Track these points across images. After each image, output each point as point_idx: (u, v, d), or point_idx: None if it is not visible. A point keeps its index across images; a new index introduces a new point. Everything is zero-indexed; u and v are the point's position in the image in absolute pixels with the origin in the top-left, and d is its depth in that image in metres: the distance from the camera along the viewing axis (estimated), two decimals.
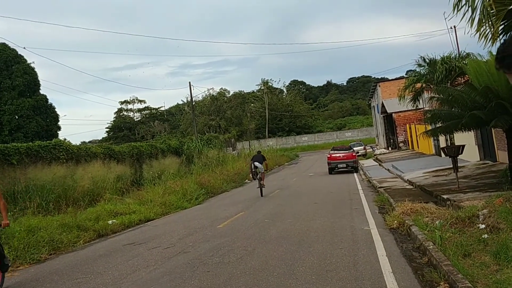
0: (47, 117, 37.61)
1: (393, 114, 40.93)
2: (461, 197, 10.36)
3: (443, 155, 17.34)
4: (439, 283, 5.15)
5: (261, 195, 17.39)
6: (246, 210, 13.87)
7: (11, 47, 36.59)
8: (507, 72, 1.75)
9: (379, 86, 46.55)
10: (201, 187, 20.21)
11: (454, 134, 18.14)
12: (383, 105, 42.70)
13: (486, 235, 6.45)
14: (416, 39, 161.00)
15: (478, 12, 8.36)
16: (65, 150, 18.77)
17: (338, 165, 26.26)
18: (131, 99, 78.88)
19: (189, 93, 41.39)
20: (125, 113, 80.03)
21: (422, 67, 23.19)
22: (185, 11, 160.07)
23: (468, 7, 8.47)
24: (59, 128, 39.52)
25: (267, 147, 54.59)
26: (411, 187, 15.34)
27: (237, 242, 8.84)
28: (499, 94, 10.21)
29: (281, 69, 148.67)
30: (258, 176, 17.80)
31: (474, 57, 15.02)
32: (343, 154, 26.82)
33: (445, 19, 30.42)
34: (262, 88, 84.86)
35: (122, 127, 76.99)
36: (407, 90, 24.66)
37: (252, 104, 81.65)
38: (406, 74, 43.77)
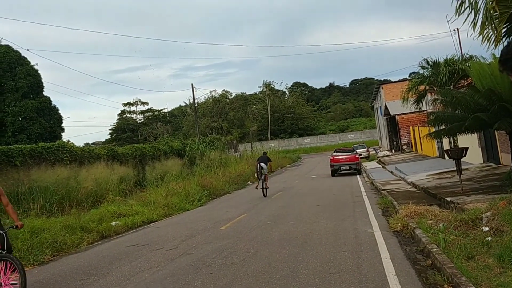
0: (51, 119, 37.69)
1: (396, 116, 40.86)
2: (465, 199, 10.33)
3: (446, 157, 17.32)
4: (443, 286, 5.14)
5: (264, 196, 17.83)
6: (248, 212, 13.87)
7: (15, 49, 36.79)
8: (510, 74, 1.75)
9: (382, 88, 46.47)
10: (204, 189, 20.22)
11: (458, 137, 18.08)
12: (386, 107, 42.63)
13: (489, 238, 6.43)
14: (419, 41, 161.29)
15: (481, 14, 8.35)
16: (69, 151, 18.83)
17: (341, 167, 26.21)
18: (134, 101, 79.10)
19: (192, 95, 41.60)
20: (128, 115, 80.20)
21: (426, 69, 23.14)
22: (188, 14, 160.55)
23: (471, 9, 8.47)
24: (62, 129, 39.60)
25: (269, 149, 54.53)
26: (415, 189, 15.31)
27: (240, 244, 8.84)
28: (502, 97, 10.20)
29: (284, 71, 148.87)
30: (262, 176, 18.22)
31: (477, 60, 15.03)
32: (346, 156, 26.76)
33: (448, 21, 30.29)
34: (264, 90, 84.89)
35: (125, 129, 77.12)
36: (410, 92, 24.60)
37: (254, 106, 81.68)
38: (409, 76, 43.89)
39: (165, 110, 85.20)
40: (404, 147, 40.83)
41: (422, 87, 23.78)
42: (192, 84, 40.47)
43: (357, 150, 32.23)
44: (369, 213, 11.41)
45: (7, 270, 5.98)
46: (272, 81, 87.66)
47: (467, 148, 12.47)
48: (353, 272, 6.11)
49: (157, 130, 72.93)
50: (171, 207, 16.22)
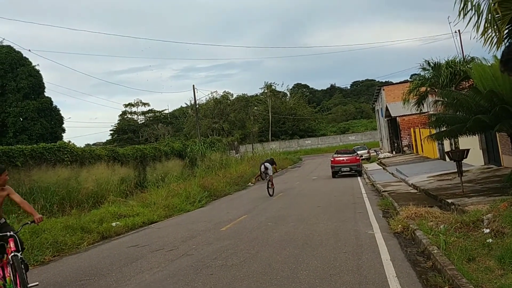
0: (52, 120, 37.73)
1: (397, 118, 40.85)
2: (466, 201, 10.31)
3: (447, 159, 17.31)
4: None
5: (270, 195, 18.34)
6: (249, 213, 13.86)
7: (17, 49, 36.85)
8: (511, 75, 1.75)
9: (383, 89, 46.47)
10: (204, 190, 20.22)
11: (459, 138, 18.08)
12: (387, 109, 42.63)
13: (490, 240, 6.42)
14: (420, 43, 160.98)
15: (484, 16, 8.35)
16: (70, 152, 18.85)
17: (342, 168, 26.19)
18: (135, 102, 79.32)
19: (193, 96, 41.65)
20: (129, 116, 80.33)
21: (427, 71, 23.14)
22: (189, 15, 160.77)
23: (474, 11, 8.46)
24: (63, 130, 39.64)
25: (270, 150, 54.62)
26: (416, 191, 15.29)
27: (240, 245, 8.83)
28: (503, 98, 10.19)
29: (285, 73, 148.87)
30: (267, 177, 18.71)
31: (479, 61, 14.97)
32: (346, 158, 26.74)
33: (450, 23, 30.33)
34: (266, 91, 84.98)
35: (126, 130, 77.21)
36: (411, 94, 24.59)
37: (256, 107, 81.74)
38: (410, 77, 43.81)
39: (166, 111, 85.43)
40: (405, 148, 40.80)
41: (423, 89, 23.77)
42: (193, 85, 40.61)
43: (358, 152, 32.19)
44: (369, 215, 11.40)
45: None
46: (273, 83, 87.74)
47: (468, 150, 12.46)
48: (354, 274, 6.10)
49: (158, 131, 73.01)
50: (171, 208, 16.22)
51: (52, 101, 38.33)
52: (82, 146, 29.20)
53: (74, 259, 9.49)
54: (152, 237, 11.30)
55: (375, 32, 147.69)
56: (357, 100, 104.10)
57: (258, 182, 28.02)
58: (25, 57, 37.02)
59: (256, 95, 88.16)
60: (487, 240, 6.43)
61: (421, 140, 30.27)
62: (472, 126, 11.19)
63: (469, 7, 8.53)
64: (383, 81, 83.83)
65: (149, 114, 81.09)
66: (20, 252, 5.84)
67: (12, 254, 5.72)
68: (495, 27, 8.23)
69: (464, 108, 11.92)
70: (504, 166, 16.12)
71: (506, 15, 8.00)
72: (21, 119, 35.49)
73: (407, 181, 18.21)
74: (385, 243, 7.81)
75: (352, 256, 7.13)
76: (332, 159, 27.06)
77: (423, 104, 24.61)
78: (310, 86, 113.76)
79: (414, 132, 36.88)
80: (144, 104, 79.64)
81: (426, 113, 23.71)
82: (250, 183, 26.96)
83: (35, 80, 36.81)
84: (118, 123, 78.85)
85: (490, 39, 8.60)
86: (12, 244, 5.79)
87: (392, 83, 51.76)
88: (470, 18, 8.69)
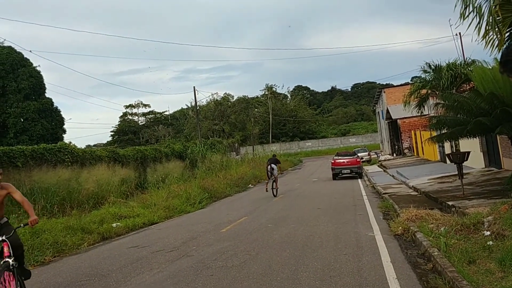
0: (52, 120, 37.74)
1: (398, 120, 40.85)
2: (466, 203, 10.31)
3: (448, 161, 17.30)
4: None
5: (274, 196, 18.69)
6: (249, 215, 13.86)
7: (18, 50, 36.89)
8: (510, 76, 1.75)
9: (384, 92, 46.47)
10: (205, 191, 20.22)
11: (459, 141, 18.08)
12: (388, 111, 42.63)
13: (491, 242, 6.42)
14: (421, 45, 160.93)
15: (485, 18, 8.37)
16: (70, 153, 18.86)
17: (342, 170, 26.19)
18: (136, 103, 79.32)
19: (194, 98, 41.56)
20: (130, 117, 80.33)
21: (428, 73, 23.13)
22: (190, 16, 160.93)
23: (475, 14, 8.48)
24: (64, 131, 39.64)
25: (270, 152, 54.50)
26: (416, 193, 15.28)
27: (241, 247, 8.83)
28: (504, 101, 10.19)
29: (285, 75, 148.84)
30: (272, 177, 19.15)
31: (480, 64, 15.00)
32: (347, 160, 26.74)
33: (451, 26, 30.38)
34: (266, 93, 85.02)
35: (127, 131, 77.22)
36: (412, 96, 24.60)
37: (256, 109, 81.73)
38: (411, 80, 43.72)
39: (167, 113, 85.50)
40: (406, 151, 40.80)
41: (424, 91, 23.78)
42: (194, 87, 40.69)
43: (359, 154, 32.19)
44: (370, 217, 11.40)
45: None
46: (274, 85, 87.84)
47: (468, 152, 12.46)
48: (354, 275, 6.10)
49: (159, 132, 73.03)
50: (172, 209, 16.22)
51: (53, 102, 38.36)
52: (82, 147, 29.16)
53: (75, 259, 9.49)
54: (152, 238, 11.30)
55: (376, 34, 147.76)
56: (358, 102, 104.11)
57: (259, 184, 28.07)
58: (26, 58, 37.07)
59: (257, 97, 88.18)
60: (488, 243, 6.43)
61: (421, 142, 30.28)
62: (472, 129, 11.19)
63: (470, 9, 8.55)
64: (384, 83, 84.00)
65: (150, 115, 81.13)
66: (12, 259, 5.50)
67: (4, 260, 5.44)
68: (496, 29, 8.25)
69: (465, 111, 11.93)
70: (504, 168, 16.11)
71: (507, 18, 8.02)
72: (22, 120, 35.51)
73: (407, 183, 18.20)
74: (386, 245, 7.80)
75: (353, 258, 7.12)
76: (333, 161, 27.06)
77: (423, 107, 24.61)
78: (311, 88, 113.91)
79: (415, 134, 36.88)
80: (145, 105, 79.73)
81: (427, 116, 23.67)
82: (250, 185, 26.96)
83: (36, 81, 36.84)
84: (118, 124, 78.88)
85: (491, 41, 8.63)
86: (5, 249, 5.51)
87: (393, 86, 51.76)
88: (471, 21, 8.72)
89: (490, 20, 8.29)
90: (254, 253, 8.10)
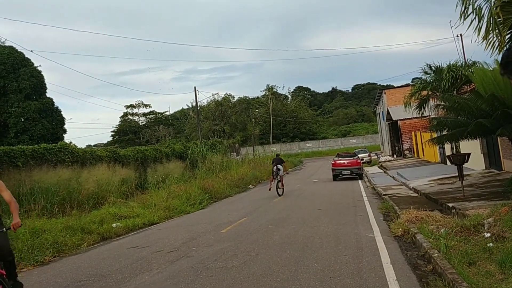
0: (53, 120, 37.72)
1: (398, 122, 40.84)
2: (467, 205, 10.30)
3: (448, 163, 17.26)
4: None
5: (280, 195, 19.03)
6: (249, 216, 13.86)
7: (19, 50, 36.89)
8: (511, 78, 1.75)
9: (385, 93, 46.46)
10: (205, 192, 20.22)
11: (460, 142, 18.05)
12: (388, 112, 42.61)
13: (491, 244, 6.41)
14: (422, 46, 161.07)
15: (485, 20, 8.36)
16: (71, 153, 18.86)
17: (343, 171, 26.19)
18: (137, 103, 79.36)
19: (194, 98, 41.54)
20: (131, 117, 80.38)
21: (428, 75, 23.11)
22: (191, 17, 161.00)
23: (475, 15, 8.48)
24: (64, 131, 39.61)
25: (271, 153, 54.51)
26: (416, 194, 15.27)
27: (241, 247, 8.83)
28: (505, 103, 10.18)
29: (286, 75, 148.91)
30: (278, 177, 19.51)
31: (480, 65, 14.99)
32: (347, 161, 26.76)
33: (451, 27, 30.41)
34: (267, 93, 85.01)
35: (127, 131, 77.26)
36: (412, 98, 24.58)
37: (257, 110, 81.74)
38: (412, 81, 43.69)
39: (168, 113, 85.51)
40: (406, 152, 40.78)
41: (424, 93, 23.76)
42: (195, 87, 40.61)
43: (359, 155, 32.24)
44: (370, 218, 11.39)
45: None
46: (275, 85, 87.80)
47: (469, 154, 12.45)
48: (354, 277, 6.09)
49: (159, 132, 73.05)
50: (172, 209, 16.22)
51: (53, 102, 38.34)
52: (83, 147, 29.14)
53: (74, 259, 9.48)
54: (152, 238, 11.30)
55: (376, 35, 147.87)
56: (359, 103, 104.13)
57: (259, 185, 28.07)
58: (27, 57, 37.05)
59: (258, 97, 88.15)
60: (488, 244, 6.42)
61: (422, 143, 30.28)
62: (473, 130, 11.18)
63: (471, 10, 8.55)
64: (385, 84, 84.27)
65: (150, 115, 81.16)
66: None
67: None
68: (496, 31, 8.25)
69: (466, 112, 11.92)
70: (505, 170, 16.10)
71: (508, 19, 8.02)
72: (23, 120, 35.50)
73: (408, 184, 18.19)
74: (386, 246, 7.80)
75: (353, 259, 7.12)
76: (333, 162, 27.08)
77: (424, 108, 24.59)
78: (312, 89, 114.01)
79: (415, 135, 36.87)
80: (146, 105, 79.75)
81: (427, 117, 23.65)
82: (250, 185, 26.95)
83: (37, 81, 36.83)
84: (119, 125, 78.94)
85: (491, 43, 8.62)
86: None
87: (393, 87, 51.74)
88: (471, 21, 8.72)
89: (491, 22, 8.28)
90: (254, 254, 8.10)
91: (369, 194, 17.82)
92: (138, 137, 74.75)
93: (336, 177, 26.25)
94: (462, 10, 8.72)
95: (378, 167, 34.30)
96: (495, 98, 10.30)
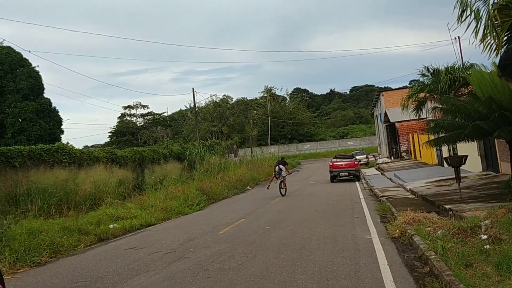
0: (51, 121, 37.61)
1: (396, 124, 40.91)
2: (464, 207, 10.32)
3: (445, 165, 17.30)
4: None
5: (282, 195, 19.50)
6: (247, 217, 13.85)
7: (16, 50, 36.80)
8: (509, 80, 1.75)
9: (382, 95, 46.57)
10: (203, 193, 20.18)
11: (457, 144, 18.10)
12: (386, 114, 42.69)
13: (488, 246, 6.42)
14: (419, 49, 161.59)
15: (483, 22, 8.40)
16: (68, 153, 18.79)
17: (340, 173, 26.23)
18: (135, 104, 79.17)
19: (192, 99, 41.57)
20: (128, 118, 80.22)
21: (426, 77, 23.18)
22: (189, 18, 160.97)
23: (473, 17, 8.51)
24: (62, 131, 39.48)
25: (269, 154, 54.55)
26: (413, 196, 15.30)
27: (238, 249, 8.82)
28: (502, 105, 10.21)
29: (284, 77, 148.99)
30: (280, 178, 19.89)
31: (478, 68, 15.03)
32: (345, 163, 26.78)
33: (449, 29, 30.47)
34: (265, 95, 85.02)
35: (125, 132, 77.10)
36: (410, 100, 24.64)
37: (255, 111, 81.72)
38: (409, 83, 43.87)
39: (166, 114, 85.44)
40: (403, 154, 40.85)
41: (422, 95, 23.82)
42: (193, 88, 40.61)
43: (357, 157, 32.21)
44: (367, 219, 11.40)
45: None
46: (273, 87, 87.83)
47: (466, 156, 12.48)
48: (351, 278, 6.09)
49: (157, 133, 72.97)
50: (169, 210, 16.19)
51: (51, 103, 38.24)
52: (80, 148, 29.04)
53: (71, 260, 9.46)
54: (149, 239, 11.27)
55: (374, 37, 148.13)
56: (356, 105, 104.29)
57: (257, 186, 28.07)
58: (25, 58, 36.95)
59: (256, 99, 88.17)
60: (485, 246, 6.43)
61: (419, 145, 30.31)
62: (470, 133, 11.20)
63: (468, 12, 8.58)
64: (382, 86, 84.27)
65: (148, 116, 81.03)
66: None
67: None
68: (494, 33, 8.28)
69: (463, 114, 11.95)
70: (502, 172, 16.13)
71: (506, 22, 8.05)
72: (20, 120, 35.40)
73: (405, 186, 18.22)
74: (383, 248, 7.80)
75: (350, 260, 7.12)
76: (331, 164, 27.11)
77: (421, 110, 24.65)
78: (310, 91, 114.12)
79: (413, 137, 36.93)
80: (144, 106, 79.58)
81: (425, 119, 23.71)
82: (248, 187, 26.94)
83: (34, 81, 36.74)
84: (117, 125, 78.78)
85: (489, 45, 8.65)
86: None
87: (391, 89, 51.86)
88: (469, 24, 8.75)
89: (488, 24, 8.31)
90: (251, 255, 8.09)
91: (366, 195, 17.83)
92: (136, 138, 74.62)
93: (334, 178, 26.28)
94: (460, 13, 8.75)
95: (376, 169, 34.36)
96: (493, 101, 10.32)
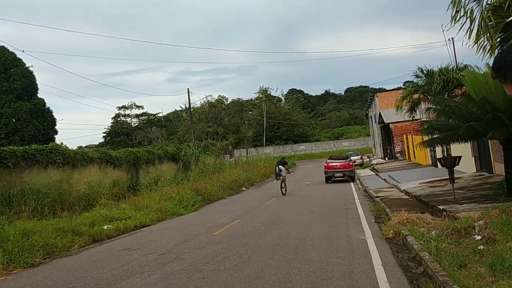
0: (44, 121, 37.44)
1: (390, 124, 41.06)
2: (457, 208, 10.37)
3: (439, 166, 17.39)
4: None
5: (283, 194, 20.22)
6: (242, 218, 13.84)
7: (10, 50, 36.59)
8: (503, 82, 1.76)
9: (377, 96, 46.73)
10: (198, 194, 20.15)
11: (451, 145, 18.20)
12: (380, 115, 42.84)
13: (482, 246, 6.45)
14: (414, 50, 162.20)
15: (477, 23, 8.44)
16: (62, 154, 18.69)
17: (335, 174, 26.29)
18: (129, 104, 78.94)
19: (187, 100, 41.46)
20: (123, 119, 79.96)
21: (420, 78, 23.30)
22: (184, 18, 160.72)
23: (467, 18, 8.55)
24: (56, 132, 39.32)
25: (264, 155, 54.54)
26: (408, 197, 15.35)
27: (233, 249, 8.81)
28: (496, 106, 10.27)
29: (280, 78, 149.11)
30: (281, 178, 20.55)
31: (472, 69, 15.12)
32: (340, 163, 26.85)
33: (443, 31, 30.62)
34: (260, 96, 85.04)
35: (119, 133, 76.85)
36: (404, 101, 24.75)
37: (250, 112, 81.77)
38: (403, 84, 44.04)
39: (160, 114, 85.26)
40: (398, 155, 41.00)
41: (416, 96, 23.94)
42: (188, 89, 40.47)
43: (351, 158, 32.30)
44: (362, 220, 11.43)
45: None
46: (268, 88, 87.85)
47: (460, 157, 12.54)
48: (345, 278, 6.11)
49: (152, 134, 72.78)
50: (164, 211, 16.14)
51: (45, 103, 38.07)
52: (74, 148, 28.90)
53: (65, 261, 9.41)
54: (144, 240, 11.24)
55: (369, 39, 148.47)
56: (351, 106, 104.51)
57: (252, 187, 28.08)
58: (18, 58, 36.76)
59: (251, 99, 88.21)
60: (479, 247, 6.46)
61: (413, 146, 30.41)
62: (464, 133, 11.26)
63: (462, 12, 8.62)
64: (377, 87, 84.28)
65: (143, 117, 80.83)
66: None
67: None
68: (487, 34, 8.33)
69: (457, 116, 12.01)
70: (496, 173, 16.22)
71: (499, 23, 8.10)
72: (14, 120, 35.20)
73: (399, 187, 18.28)
74: (377, 249, 7.82)
75: (344, 261, 7.13)
76: (326, 165, 27.18)
77: (415, 111, 24.77)
78: (305, 92, 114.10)
79: (407, 138, 37.07)
80: (138, 107, 79.37)
81: (419, 120, 23.85)
82: (244, 188, 26.95)
83: (28, 81, 36.55)
84: (111, 126, 78.50)
85: (483, 46, 8.70)
86: None
87: (385, 90, 52.07)
88: (463, 24, 8.79)
89: (482, 25, 8.36)
90: (246, 256, 8.09)
91: (361, 196, 17.88)
92: (130, 139, 74.40)
93: (329, 179, 26.34)
94: (454, 13, 8.79)
95: (370, 169, 34.46)
96: (486, 102, 10.38)
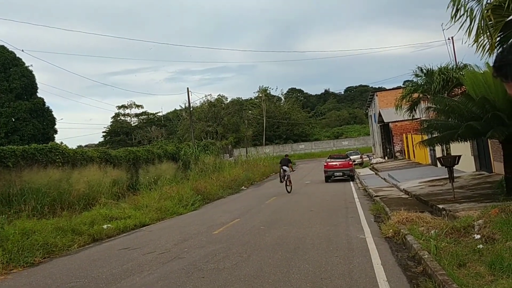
0: (44, 120, 37.44)
1: (390, 124, 41.05)
2: (457, 207, 10.37)
3: (439, 165, 17.38)
4: None
5: (288, 192, 20.52)
6: (242, 217, 13.84)
7: (10, 49, 36.57)
8: (504, 81, 1.75)
9: (377, 95, 46.71)
10: (197, 193, 20.16)
11: (451, 145, 18.19)
12: (380, 115, 42.83)
13: (481, 246, 6.46)
14: (413, 49, 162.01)
15: (477, 22, 8.44)
16: (61, 153, 18.69)
17: (335, 173, 26.28)
18: (129, 104, 78.81)
19: (187, 99, 41.43)
20: (122, 118, 79.84)
21: (420, 77, 23.27)
22: (184, 18, 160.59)
23: (467, 17, 8.55)
24: (55, 131, 39.32)
25: (264, 155, 54.51)
26: (407, 196, 15.36)
27: (233, 249, 8.81)
28: (495, 105, 10.28)
29: (279, 77, 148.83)
30: (286, 177, 20.90)
31: (471, 68, 15.11)
32: (339, 163, 26.85)
33: (443, 30, 30.61)
34: (260, 95, 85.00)
35: (119, 132, 76.76)
36: (404, 100, 24.73)
37: (250, 111, 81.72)
38: (403, 84, 44.07)
39: (160, 114, 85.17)
40: (397, 154, 41.00)
41: (415, 95, 23.91)
42: (187, 88, 40.51)
43: (351, 157, 32.30)
44: (361, 219, 11.44)
45: None
46: (268, 87, 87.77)
47: (459, 156, 12.54)
48: (345, 277, 6.11)
49: (152, 133, 72.74)
50: (164, 211, 16.15)
51: (44, 102, 38.07)
52: (74, 148, 28.90)
53: (65, 261, 9.41)
54: (143, 240, 11.24)
55: (369, 38, 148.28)
56: (351, 106, 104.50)
57: (252, 186, 28.09)
58: (18, 57, 36.74)
59: (251, 99, 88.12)
60: (478, 246, 6.47)
61: (413, 146, 30.41)
62: (464, 133, 11.26)
63: (462, 11, 8.62)
64: (377, 87, 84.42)
65: (143, 116, 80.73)
66: None
67: None
68: (487, 33, 8.32)
69: (456, 115, 12.01)
70: (495, 172, 16.23)
71: (499, 22, 8.09)
72: (13, 120, 35.20)
73: (398, 186, 18.28)
74: (376, 248, 7.83)
75: (344, 260, 7.14)
76: (325, 164, 27.18)
77: (415, 110, 24.74)
78: (305, 91, 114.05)
79: (406, 138, 37.07)
80: (138, 106, 79.20)
81: (418, 119, 23.83)
82: (243, 187, 26.96)
83: (28, 81, 36.55)
84: (111, 125, 78.43)
85: (482, 46, 8.70)
86: None
87: (385, 89, 52.05)
88: (462, 23, 8.79)
89: (482, 24, 8.36)
90: (246, 255, 8.09)
91: (360, 195, 17.88)
92: (130, 138, 74.32)
93: (328, 178, 26.34)
94: (453, 12, 8.79)
95: (370, 169, 34.46)
96: (486, 101, 10.39)
